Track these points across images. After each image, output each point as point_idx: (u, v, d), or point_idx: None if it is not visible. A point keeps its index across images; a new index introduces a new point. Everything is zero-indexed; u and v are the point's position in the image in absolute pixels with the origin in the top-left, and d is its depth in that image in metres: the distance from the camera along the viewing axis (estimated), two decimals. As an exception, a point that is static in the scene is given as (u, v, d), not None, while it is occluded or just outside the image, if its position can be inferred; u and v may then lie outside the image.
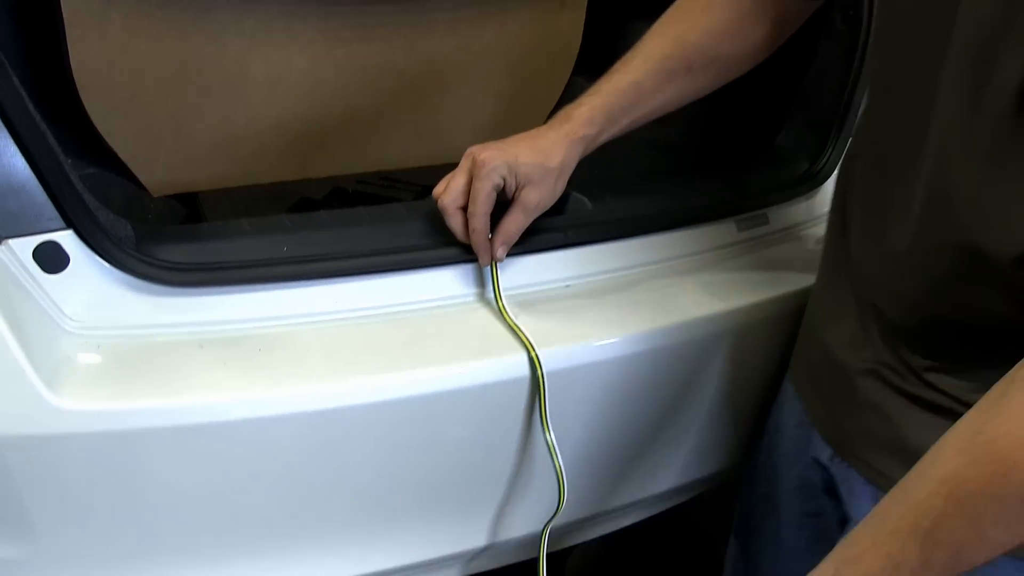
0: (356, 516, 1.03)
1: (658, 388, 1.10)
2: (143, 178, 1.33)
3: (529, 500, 1.08)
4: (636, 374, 1.07)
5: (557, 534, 1.17)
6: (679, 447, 1.21)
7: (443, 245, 1.02)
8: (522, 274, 1.06)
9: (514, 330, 0.99)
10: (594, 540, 1.34)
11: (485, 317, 1.02)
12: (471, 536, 1.11)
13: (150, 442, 0.87)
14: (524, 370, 0.98)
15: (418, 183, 1.38)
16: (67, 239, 0.87)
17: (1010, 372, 0.65)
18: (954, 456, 0.65)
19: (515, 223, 1.00)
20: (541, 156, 0.98)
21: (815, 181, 1.29)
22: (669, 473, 1.24)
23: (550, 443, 1.00)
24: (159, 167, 1.35)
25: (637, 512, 1.30)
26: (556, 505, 1.05)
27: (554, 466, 1.02)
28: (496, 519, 1.10)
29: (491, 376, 0.98)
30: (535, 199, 0.99)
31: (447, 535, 1.10)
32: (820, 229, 1.30)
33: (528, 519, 1.10)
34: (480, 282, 1.04)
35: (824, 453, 0.97)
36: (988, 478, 0.61)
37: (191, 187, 1.38)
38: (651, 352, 1.06)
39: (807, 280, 1.17)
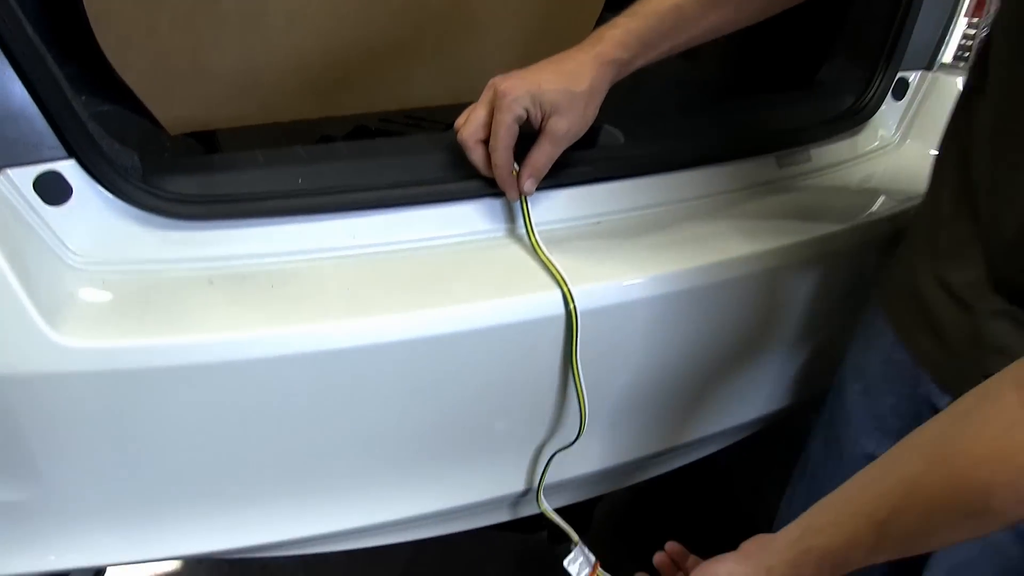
0: (375, 461, 0.99)
1: (695, 329, 1.06)
2: (159, 115, 1.29)
3: (566, 444, 1.05)
4: (670, 314, 1.02)
5: (598, 480, 1.14)
6: (720, 391, 1.18)
7: (469, 177, 0.97)
8: (550, 210, 1.01)
9: (547, 266, 0.94)
10: (622, 491, 1.30)
11: (512, 253, 0.97)
12: (508, 481, 1.09)
13: (157, 381, 0.84)
14: (555, 308, 0.93)
15: (443, 121, 1.34)
16: (69, 169, 0.84)
17: (982, 385, 0.66)
18: (916, 460, 0.68)
19: (544, 155, 0.95)
20: (568, 80, 0.93)
21: (860, 117, 1.24)
22: (711, 417, 1.20)
23: (576, 375, 0.97)
24: (176, 104, 1.31)
25: (670, 460, 1.26)
26: (576, 437, 1.02)
27: (577, 396, 0.98)
28: (533, 464, 1.07)
29: (521, 314, 0.93)
30: (564, 128, 0.93)
31: (483, 480, 1.08)
32: (865, 167, 1.26)
33: (566, 464, 1.07)
34: (509, 216, 1.00)
35: (941, 400, 0.89)
36: (942, 489, 0.65)
37: (209, 125, 1.35)
38: (687, 292, 1.01)
39: (850, 220, 1.14)
